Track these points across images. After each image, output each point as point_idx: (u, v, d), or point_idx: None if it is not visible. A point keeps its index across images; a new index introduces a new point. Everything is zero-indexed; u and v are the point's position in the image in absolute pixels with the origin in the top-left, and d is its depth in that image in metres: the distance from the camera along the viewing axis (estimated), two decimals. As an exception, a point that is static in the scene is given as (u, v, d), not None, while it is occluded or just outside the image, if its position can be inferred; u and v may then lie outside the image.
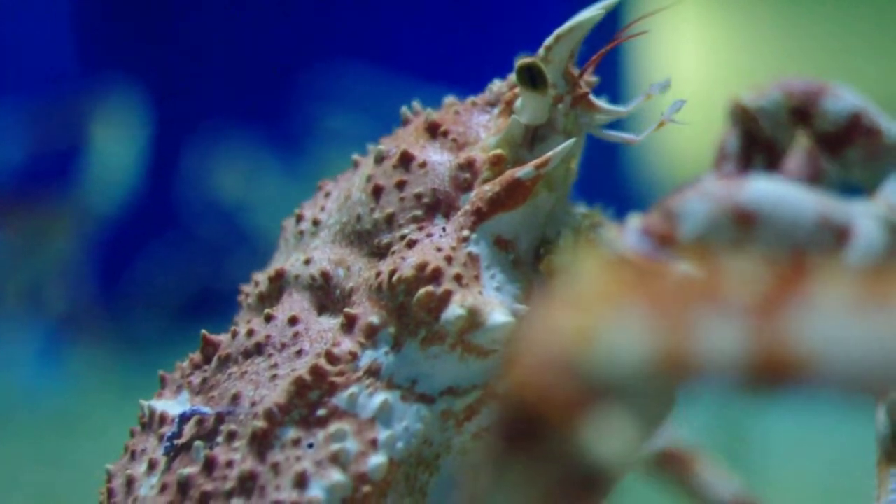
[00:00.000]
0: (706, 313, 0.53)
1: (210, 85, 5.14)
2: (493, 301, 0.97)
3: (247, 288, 1.08)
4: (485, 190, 1.00)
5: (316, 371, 0.96)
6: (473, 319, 0.96)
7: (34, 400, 4.13)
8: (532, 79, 1.02)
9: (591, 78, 1.07)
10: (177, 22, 5.28)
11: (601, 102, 1.05)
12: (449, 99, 1.08)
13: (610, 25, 1.08)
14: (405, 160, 1.02)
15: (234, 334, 1.02)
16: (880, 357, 0.51)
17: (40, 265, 4.70)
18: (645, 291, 0.54)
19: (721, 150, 1.21)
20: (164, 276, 4.99)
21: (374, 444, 0.95)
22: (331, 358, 0.97)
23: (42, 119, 4.80)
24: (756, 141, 1.21)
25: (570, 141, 1.01)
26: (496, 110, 1.05)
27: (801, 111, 1.18)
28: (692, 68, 6.84)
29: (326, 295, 1.02)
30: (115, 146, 4.81)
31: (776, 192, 0.75)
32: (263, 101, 4.91)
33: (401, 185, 1.02)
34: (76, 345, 4.65)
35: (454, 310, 0.96)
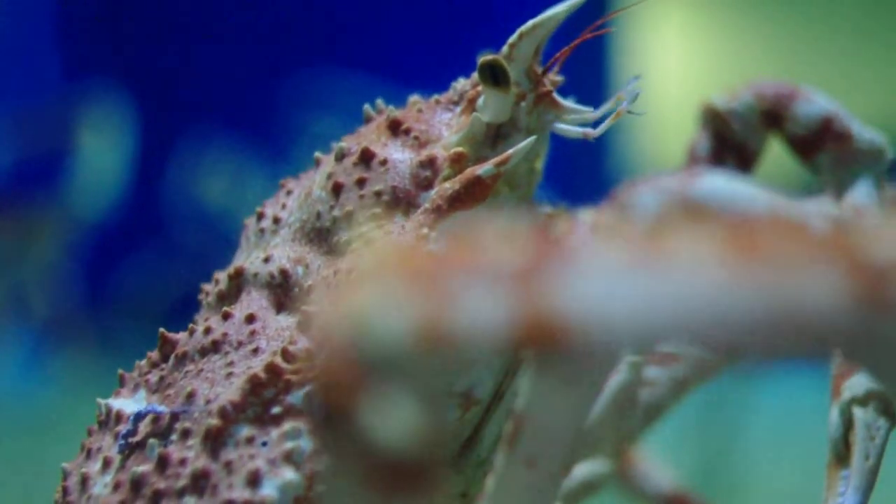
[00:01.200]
0: (465, 284, 0.53)
1: (196, 91, 5.13)
2: (451, 300, 0.96)
3: (207, 286, 1.07)
4: (445, 188, 0.99)
5: (271, 369, 0.95)
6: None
7: (18, 405, 4.11)
8: (494, 76, 1.01)
9: (556, 77, 1.06)
10: (164, 28, 5.27)
11: (566, 102, 1.04)
12: (413, 97, 1.08)
13: (584, 24, 1.07)
14: (366, 158, 1.01)
15: (192, 332, 1.01)
16: (649, 314, 0.51)
17: (25, 270, 4.68)
18: (407, 267, 0.54)
19: (692, 152, 1.21)
20: (150, 282, 4.97)
21: (329, 443, 0.94)
22: (287, 356, 0.96)
23: (28, 125, 4.79)
24: (727, 143, 1.20)
25: (531, 139, 1.00)
26: (459, 108, 1.04)
27: (773, 114, 1.18)
28: (676, 69, 6.85)
29: (285, 293, 1.01)
30: (102, 152, 4.80)
31: (728, 188, 0.74)
32: (249, 107, 4.90)
33: (361, 183, 1.01)
34: (61, 350, 4.63)
35: (412, 308, 0.95)
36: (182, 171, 5.07)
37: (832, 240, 0.50)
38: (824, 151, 1.14)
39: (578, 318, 0.51)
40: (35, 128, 4.78)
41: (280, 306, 1.01)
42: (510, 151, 1.00)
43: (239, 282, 1.03)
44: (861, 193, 1.11)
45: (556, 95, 1.04)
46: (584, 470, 1.19)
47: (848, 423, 0.94)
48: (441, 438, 0.58)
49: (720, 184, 0.75)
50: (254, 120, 4.86)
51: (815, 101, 1.16)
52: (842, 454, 0.94)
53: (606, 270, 0.51)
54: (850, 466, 0.93)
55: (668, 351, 1.22)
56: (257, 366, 0.96)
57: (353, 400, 0.54)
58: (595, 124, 1.02)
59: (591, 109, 1.04)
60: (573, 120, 1.04)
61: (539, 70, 1.03)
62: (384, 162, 1.01)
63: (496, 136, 1.03)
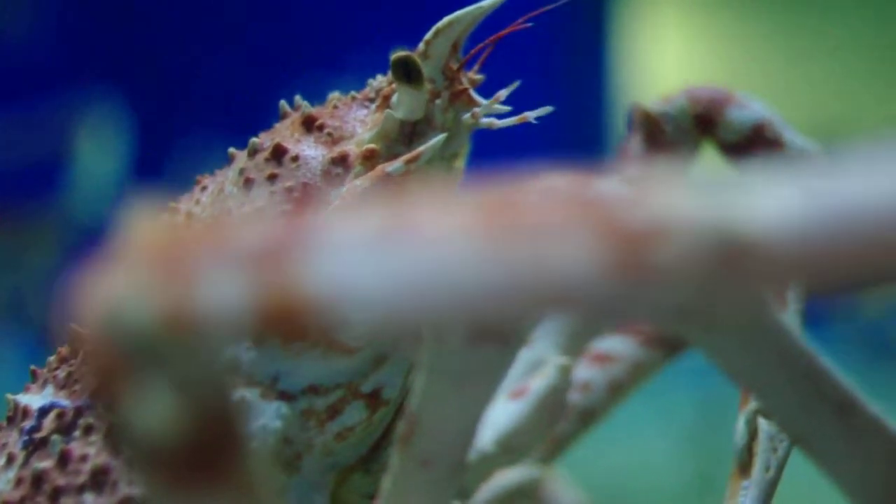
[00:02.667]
0: (207, 267, 0.52)
1: (194, 97, 5.14)
2: (357, 297, 0.95)
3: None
4: (355, 185, 0.98)
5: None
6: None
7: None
8: (407, 73, 1.00)
9: (475, 76, 1.05)
10: (162, 34, 5.28)
11: (484, 100, 1.03)
12: (333, 94, 1.06)
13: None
14: (278, 153, 1.00)
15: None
16: (395, 288, 0.50)
17: (22, 276, 4.69)
18: (156, 251, 0.53)
19: (623, 154, 1.20)
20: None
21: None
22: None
23: (24, 130, 4.80)
24: (658, 146, 1.19)
25: (440, 137, 0.99)
26: (375, 105, 1.03)
27: (706, 118, 1.17)
28: (673, 67, 6.84)
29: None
30: (99, 158, 4.81)
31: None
32: (246, 113, 4.91)
33: (272, 179, 1.00)
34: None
35: (316, 305, 0.94)
36: (179, 177, 5.08)
37: (590, 207, 0.50)
38: (755, 158, 1.13)
39: (321, 296, 0.50)
40: (32, 134, 4.79)
41: (189, 303, 1.00)
42: (420, 149, 0.99)
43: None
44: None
45: (473, 93, 1.03)
46: (514, 475, 1.18)
47: (752, 433, 0.93)
48: (232, 428, 0.57)
49: (612, 189, 0.75)
50: (251, 126, 4.86)
51: (749, 108, 1.15)
52: (745, 464, 0.92)
53: (351, 245, 0.51)
54: (751, 477, 0.91)
55: (601, 351, 1.21)
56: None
57: (116, 390, 0.54)
58: (501, 117, 1.01)
59: (510, 108, 1.02)
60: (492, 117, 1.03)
61: (455, 67, 1.02)
62: (296, 158, 1.00)
63: (412, 133, 1.01)
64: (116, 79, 5.08)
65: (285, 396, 0.95)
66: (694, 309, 0.54)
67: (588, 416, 1.20)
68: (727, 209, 0.51)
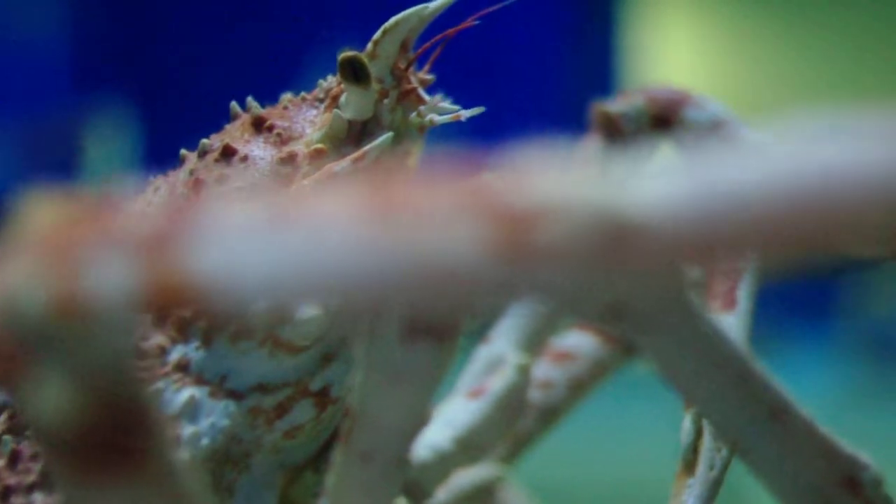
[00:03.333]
0: (96, 254, 0.53)
1: (202, 104, 5.16)
2: (304, 296, 0.96)
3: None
4: (303, 185, 0.99)
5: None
6: (282, 313, 0.95)
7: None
8: (354, 73, 1.00)
9: (426, 76, 1.05)
10: (170, 41, 5.31)
11: (433, 99, 1.04)
12: (285, 95, 1.07)
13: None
14: (227, 154, 1.01)
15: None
16: (279, 273, 0.50)
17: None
18: (50, 239, 0.54)
19: (582, 154, 1.20)
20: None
21: (176, 440, 0.94)
22: (138, 353, 0.96)
23: (35, 138, 4.82)
24: (617, 145, 1.19)
25: (385, 136, 1.00)
26: (324, 105, 1.04)
27: (663, 118, 1.18)
28: (685, 67, 6.83)
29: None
30: (109, 165, 4.83)
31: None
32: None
33: (221, 179, 1.00)
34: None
35: (262, 303, 0.95)
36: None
37: (474, 191, 0.50)
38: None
39: (208, 280, 0.51)
40: (43, 142, 4.81)
41: (139, 303, 1.00)
42: (366, 148, 0.99)
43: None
44: None
45: (421, 93, 1.03)
46: (473, 475, 1.18)
47: (698, 432, 0.93)
48: (141, 418, 0.57)
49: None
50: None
51: (706, 108, 1.16)
52: (689, 462, 0.92)
53: (237, 232, 0.51)
54: (695, 476, 0.91)
55: (561, 349, 1.21)
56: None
57: (14, 379, 0.55)
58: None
59: (459, 108, 1.03)
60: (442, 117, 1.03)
61: (403, 66, 1.03)
62: (245, 158, 1.01)
63: (361, 133, 1.02)
64: (126, 87, 5.10)
65: (234, 395, 0.96)
66: (590, 297, 0.54)
67: (550, 415, 1.21)
68: (613, 191, 0.51)
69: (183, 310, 0.53)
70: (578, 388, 1.20)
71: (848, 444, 0.83)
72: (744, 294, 1.03)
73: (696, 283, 1.19)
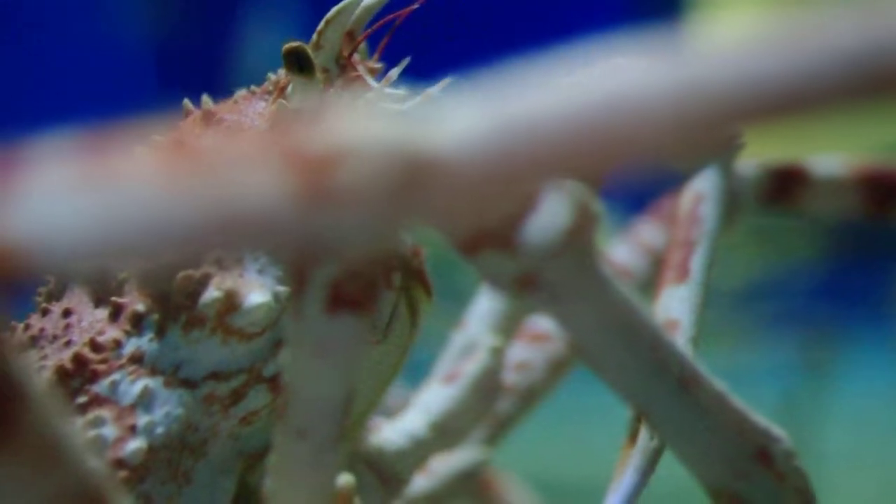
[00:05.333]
0: None
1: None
2: (252, 283, 0.98)
3: (41, 288, 1.09)
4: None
5: (78, 359, 0.98)
6: (231, 301, 0.97)
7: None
8: (299, 63, 1.02)
9: (373, 64, 1.06)
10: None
11: (378, 86, 1.05)
12: (239, 92, 1.09)
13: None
14: (177, 148, 1.03)
15: (13, 330, 1.03)
16: (89, 230, 0.51)
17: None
18: None
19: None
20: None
21: (132, 429, 0.96)
22: (94, 346, 0.98)
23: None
24: None
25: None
26: (272, 97, 1.05)
27: None
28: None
29: (103, 287, 1.03)
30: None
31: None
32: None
33: (172, 175, 1.02)
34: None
35: (211, 292, 0.97)
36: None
37: (272, 138, 0.51)
38: None
39: (24, 241, 0.52)
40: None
41: (99, 301, 1.02)
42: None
43: (64, 280, 1.05)
44: (706, 180, 1.10)
45: (368, 80, 1.04)
46: (456, 459, 1.18)
47: None
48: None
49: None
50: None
51: None
52: (634, 433, 0.92)
53: (51, 191, 0.52)
54: (636, 445, 0.91)
55: (537, 330, 1.21)
56: (65, 356, 0.98)
57: None
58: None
59: (404, 93, 1.04)
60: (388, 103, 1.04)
61: (346, 54, 1.04)
62: (194, 153, 1.02)
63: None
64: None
65: (188, 384, 0.98)
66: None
67: (529, 396, 1.21)
68: (410, 130, 0.52)
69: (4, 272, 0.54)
70: (557, 367, 1.20)
71: (762, 418, 0.82)
72: (698, 266, 1.02)
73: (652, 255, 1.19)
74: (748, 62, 0.47)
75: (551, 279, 0.77)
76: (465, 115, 0.52)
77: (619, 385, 0.82)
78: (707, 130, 0.47)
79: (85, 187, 0.53)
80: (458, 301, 1.21)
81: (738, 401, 0.82)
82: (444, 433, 1.13)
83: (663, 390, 0.79)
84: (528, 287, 0.78)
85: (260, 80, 1.07)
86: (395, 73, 1.03)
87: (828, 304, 3.50)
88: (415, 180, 0.51)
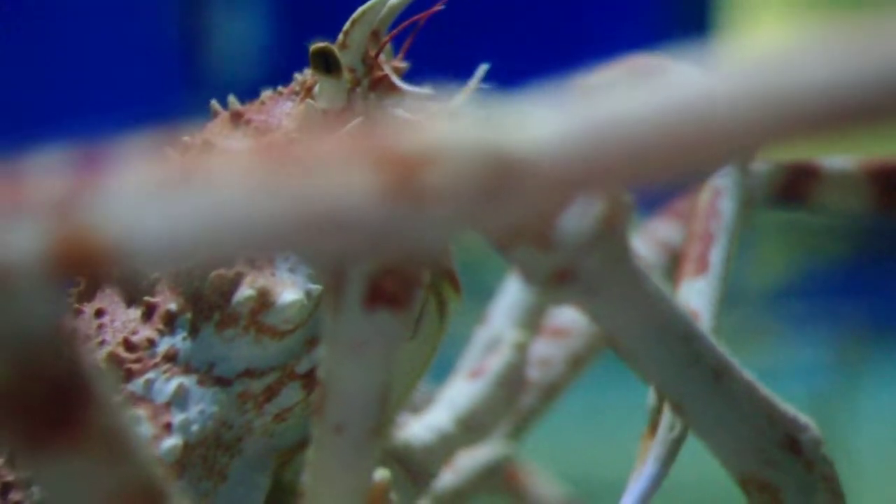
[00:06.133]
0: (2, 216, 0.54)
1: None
2: (284, 281, 0.99)
3: (72, 289, 1.10)
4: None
5: (112, 358, 0.99)
6: (264, 300, 0.98)
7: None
8: (326, 64, 1.03)
9: (400, 63, 1.07)
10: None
11: (407, 86, 1.06)
12: (265, 92, 1.10)
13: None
14: (206, 149, 1.04)
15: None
16: (181, 229, 0.52)
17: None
18: None
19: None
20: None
21: (168, 427, 0.97)
22: (128, 345, 0.99)
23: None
24: None
25: (356, 122, 1.02)
26: (299, 98, 1.06)
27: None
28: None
29: (135, 287, 1.04)
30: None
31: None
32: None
33: (202, 175, 1.03)
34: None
35: (244, 291, 0.98)
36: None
37: (361, 138, 0.52)
38: None
39: (114, 240, 0.53)
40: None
41: (131, 301, 1.03)
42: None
43: (95, 281, 1.06)
44: (725, 176, 1.11)
45: (395, 79, 1.05)
46: (481, 454, 1.20)
47: (662, 395, 0.94)
48: (76, 386, 0.60)
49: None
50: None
51: (684, 74, 1.16)
52: (655, 424, 0.93)
53: (140, 191, 0.53)
54: (656, 437, 0.92)
55: (558, 325, 1.22)
56: (100, 356, 0.99)
57: None
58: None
59: (432, 92, 1.05)
60: (416, 103, 1.05)
61: (373, 54, 1.05)
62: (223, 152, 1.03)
63: (337, 123, 1.04)
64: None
65: (222, 382, 0.99)
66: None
67: (550, 392, 1.22)
68: (496, 131, 0.53)
69: (89, 270, 0.55)
70: (576, 363, 1.22)
71: (789, 406, 0.84)
72: (717, 259, 1.03)
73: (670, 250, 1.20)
74: (817, 69, 0.48)
75: (588, 272, 0.78)
76: (547, 118, 0.53)
77: (654, 376, 0.83)
78: (779, 138, 0.49)
79: (174, 187, 0.54)
80: (484, 300, 1.22)
81: (766, 390, 0.84)
82: (470, 428, 1.14)
83: (698, 381, 0.81)
84: (564, 280, 0.79)
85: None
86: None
87: (859, 303, 3.48)
88: (504, 181, 0.52)
